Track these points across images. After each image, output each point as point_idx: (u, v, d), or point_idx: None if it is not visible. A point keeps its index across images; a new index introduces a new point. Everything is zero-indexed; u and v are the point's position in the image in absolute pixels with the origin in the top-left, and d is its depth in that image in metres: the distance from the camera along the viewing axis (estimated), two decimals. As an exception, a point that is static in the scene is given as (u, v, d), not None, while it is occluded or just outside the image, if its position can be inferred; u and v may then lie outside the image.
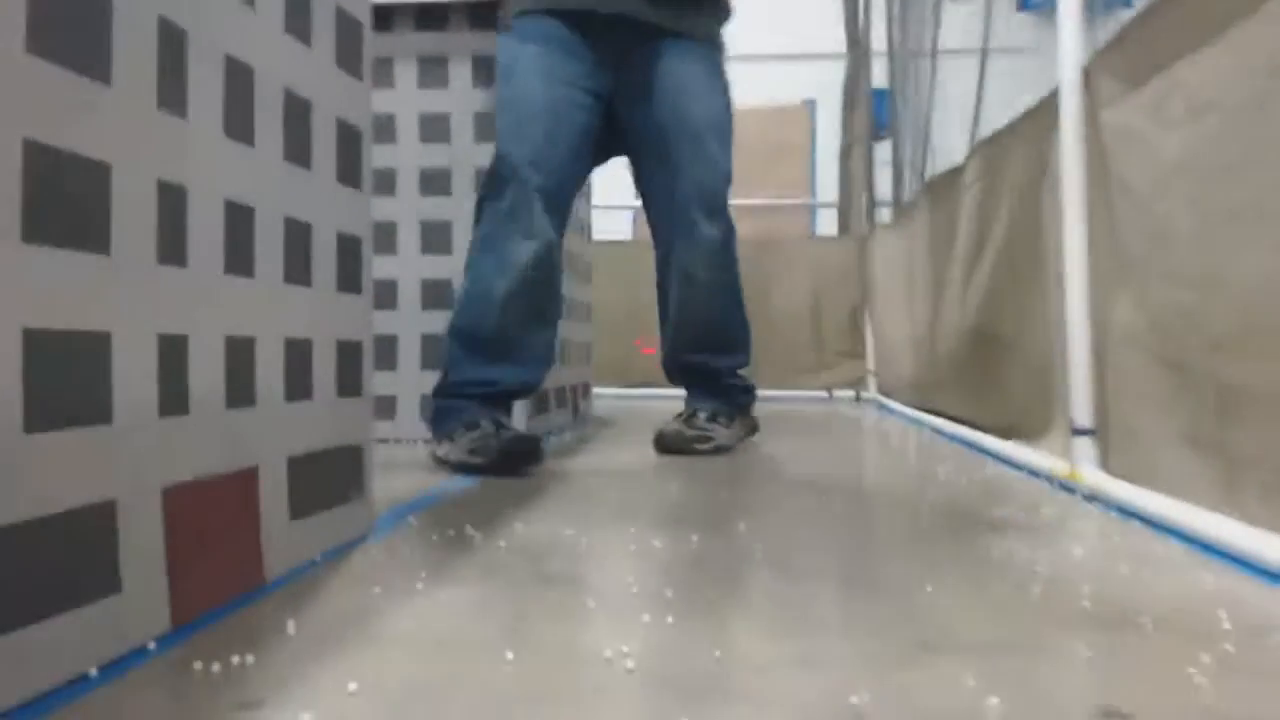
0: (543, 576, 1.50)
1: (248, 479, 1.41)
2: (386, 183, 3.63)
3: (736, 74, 3.29)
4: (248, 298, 1.41)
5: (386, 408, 3.66)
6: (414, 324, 3.65)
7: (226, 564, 1.35)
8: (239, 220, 1.39)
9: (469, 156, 3.61)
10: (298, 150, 1.59)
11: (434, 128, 3.67)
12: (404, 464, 2.94)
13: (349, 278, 1.79)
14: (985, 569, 1.47)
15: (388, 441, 3.56)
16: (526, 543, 1.79)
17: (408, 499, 2.27)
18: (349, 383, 1.80)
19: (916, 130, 5.15)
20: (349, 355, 1.80)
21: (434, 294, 3.65)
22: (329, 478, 1.71)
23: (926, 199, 4.42)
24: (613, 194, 9.19)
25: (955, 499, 2.20)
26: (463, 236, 3.65)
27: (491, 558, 1.66)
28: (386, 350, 3.63)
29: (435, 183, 3.65)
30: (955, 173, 3.65)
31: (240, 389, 1.39)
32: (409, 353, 3.64)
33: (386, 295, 3.64)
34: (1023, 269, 2.82)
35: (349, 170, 1.79)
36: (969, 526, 1.85)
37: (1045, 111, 2.54)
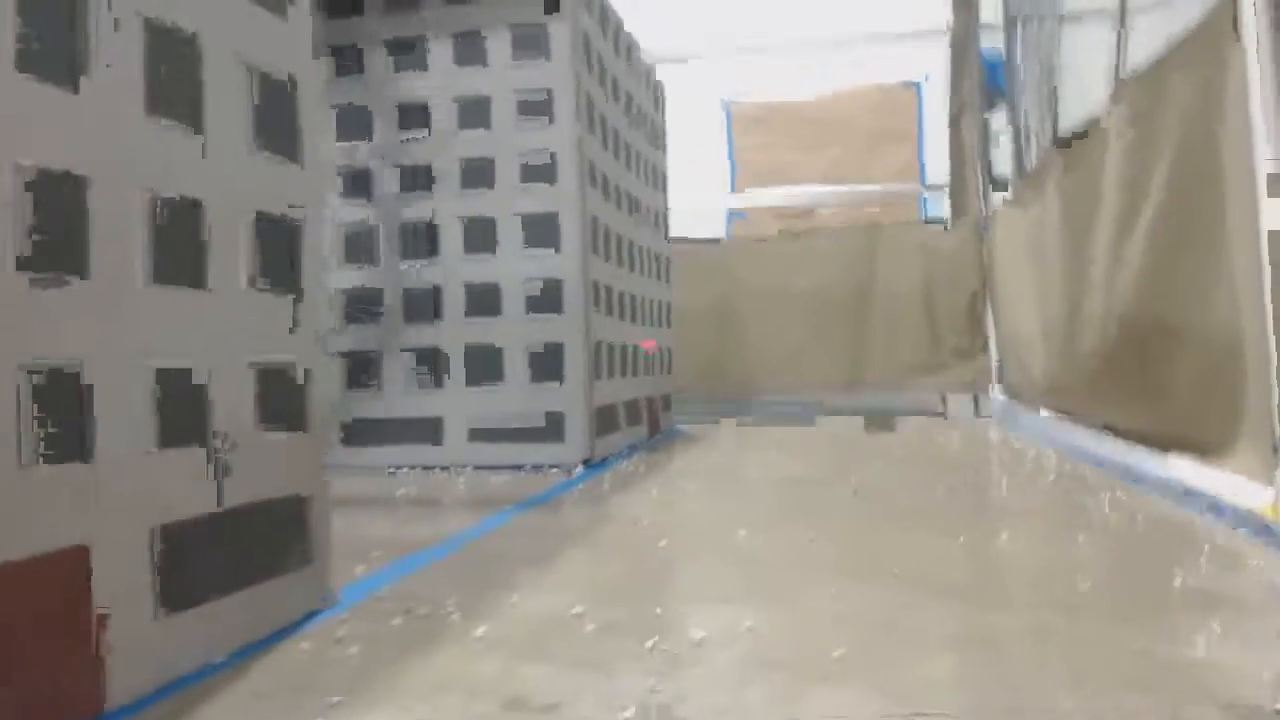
0: (511, 699, 1.02)
1: (69, 563, 0.99)
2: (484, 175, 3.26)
3: (836, 56, 2.78)
4: (67, 304, 0.99)
5: (430, 431, 3.27)
6: (458, 332, 3.25)
7: (32, 689, 0.93)
8: (50, 193, 0.98)
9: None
10: (170, 103, 1.17)
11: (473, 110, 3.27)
12: (444, 502, 2.52)
13: (275, 273, 1.37)
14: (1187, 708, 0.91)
15: (433, 469, 3.17)
16: (514, 629, 1.31)
17: (409, 552, 1.84)
18: (280, 414, 1.37)
19: (1041, 88, 4.46)
20: (277, 378, 1.37)
21: (480, 299, 3.25)
22: (245, 546, 1.28)
23: (1058, 163, 3.74)
24: (696, 189, 8.74)
25: (1119, 559, 1.61)
26: (508, 234, 3.23)
27: (455, 660, 1.19)
28: (433, 365, 3.25)
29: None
30: (1094, 125, 3.00)
31: (59, 439, 0.98)
32: (456, 368, 3.24)
33: (428, 304, 3.27)
34: (1194, 233, 2.17)
35: (273, 134, 1.37)
36: (1146, 612, 1.28)
37: (1217, 24, 1.91)
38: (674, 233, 6.45)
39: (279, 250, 1.38)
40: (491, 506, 2.37)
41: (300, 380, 1.42)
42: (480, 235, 3.24)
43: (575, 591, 1.51)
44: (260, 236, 1.33)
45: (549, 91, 3.16)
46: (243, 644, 1.24)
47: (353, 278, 3.33)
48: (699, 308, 6.21)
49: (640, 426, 3.92)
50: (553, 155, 3.17)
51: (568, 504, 2.37)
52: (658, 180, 4.56)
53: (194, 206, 1.21)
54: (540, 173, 3.19)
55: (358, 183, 3.35)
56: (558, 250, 3.16)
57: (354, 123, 3.36)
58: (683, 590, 1.51)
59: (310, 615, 1.39)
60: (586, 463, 3.09)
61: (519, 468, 3.11)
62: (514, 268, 3.20)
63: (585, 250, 3.16)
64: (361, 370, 3.31)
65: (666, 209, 4.76)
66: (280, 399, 1.37)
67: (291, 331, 1.40)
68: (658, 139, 4.60)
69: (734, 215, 8.48)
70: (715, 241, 6.67)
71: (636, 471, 3.01)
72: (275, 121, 1.36)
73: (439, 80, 3.27)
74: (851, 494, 2.42)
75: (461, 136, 3.26)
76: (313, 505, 1.43)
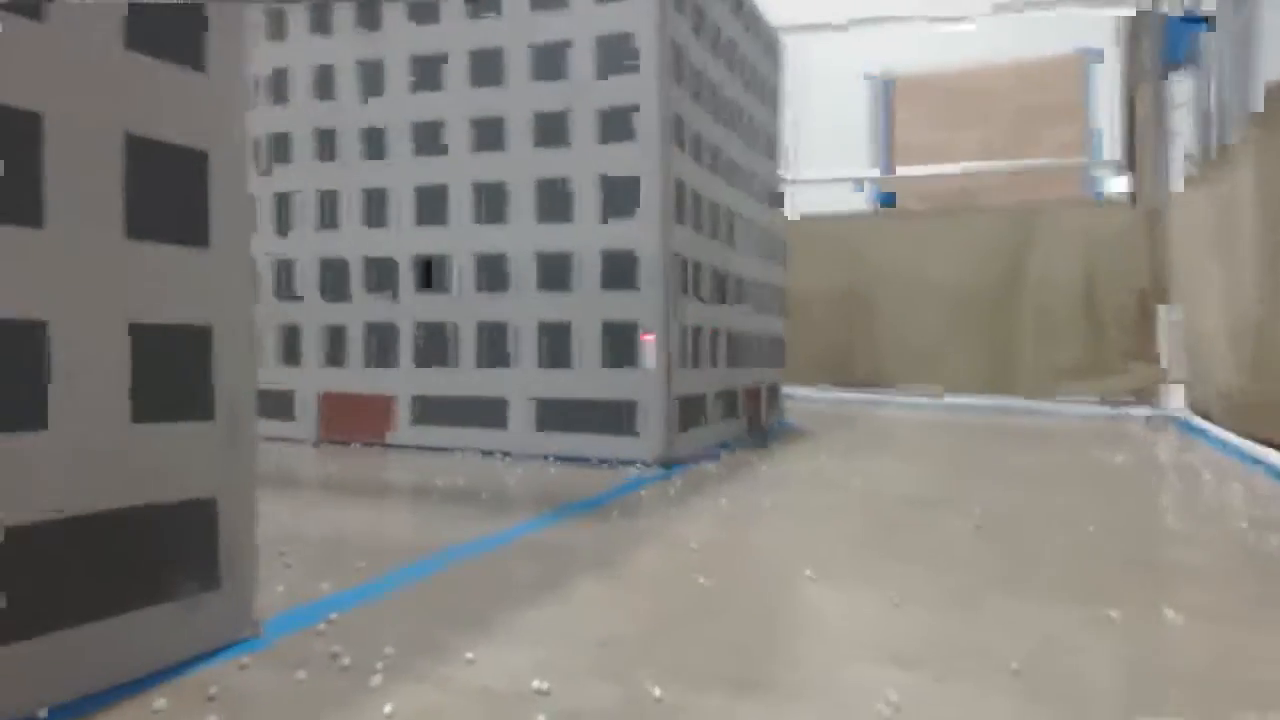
0: None
1: None
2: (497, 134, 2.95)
3: (997, 24, 2.26)
4: None
5: (496, 414, 2.97)
6: (530, 307, 2.93)
7: None
8: None
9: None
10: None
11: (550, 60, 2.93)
12: (480, 498, 2.20)
13: (163, 216, 1.05)
14: None
15: (493, 455, 2.87)
16: (436, 708, 0.96)
17: (401, 562, 1.52)
18: (174, 395, 1.06)
19: (1235, 52, 3.72)
20: (168, 350, 1.06)
21: (552, 272, 2.92)
22: (112, 563, 0.98)
23: (1255, 136, 3.07)
24: (833, 164, 8.12)
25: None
26: (585, 199, 2.87)
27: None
28: (501, 344, 2.95)
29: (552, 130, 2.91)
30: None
31: None
32: (526, 343, 2.93)
33: (500, 275, 2.96)
34: None
35: (155, 28, 1.05)
36: None
37: None
38: (808, 211, 5.96)
39: (172, 188, 1.06)
40: (528, 508, 2.04)
41: (207, 354, 1.10)
42: (553, 199, 2.90)
43: (555, 649, 1.14)
44: (138, 168, 1.02)
45: (632, 36, 2.77)
46: (94, 688, 0.94)
47: (424, 242, 3.07)
48: (824, 291, 5.70)
49: (737, 420, 3.50)
50: (634, 109, 2.79)
51: (615, 513, 2.00)
52: (771, 149, 4.10)
53: (30, 120, 0.91)
54: (619, 129, 2.81)
55: (431, 138, 3.07)
56: (634, 218, 2.78)
57: (427, 72, 3.08)
58: (697, 663, 1.11)
59: (213, 652, 1.08)
60: (662, 462, 2.71)
61: (586, 461, 2.77)
62: (588, 237, 2.84)
63: (667, 219, 2.77)
64: (431, 342, 3.05)
65: (781, 181, 4.29)
66: (174, 376, 1.06)
67: (195, 292, 1.08)
68: (773, 104, 4.13)
69: (880, 195, 7.87)
70: (845, 219, 6.10)
71: (716, 475, 2.60)
72: (161, 11, 1.04)
73: (515, 25, 2.94)
74: (972, 528, 1.94)
75: (536, 88, 2.93)
76: (223, 513, 1.12)
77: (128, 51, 1.00)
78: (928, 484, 2.56)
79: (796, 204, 6.06)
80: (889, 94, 7.80)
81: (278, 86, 3.32)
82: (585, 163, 2.85)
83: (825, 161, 7.38)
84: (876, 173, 7.81)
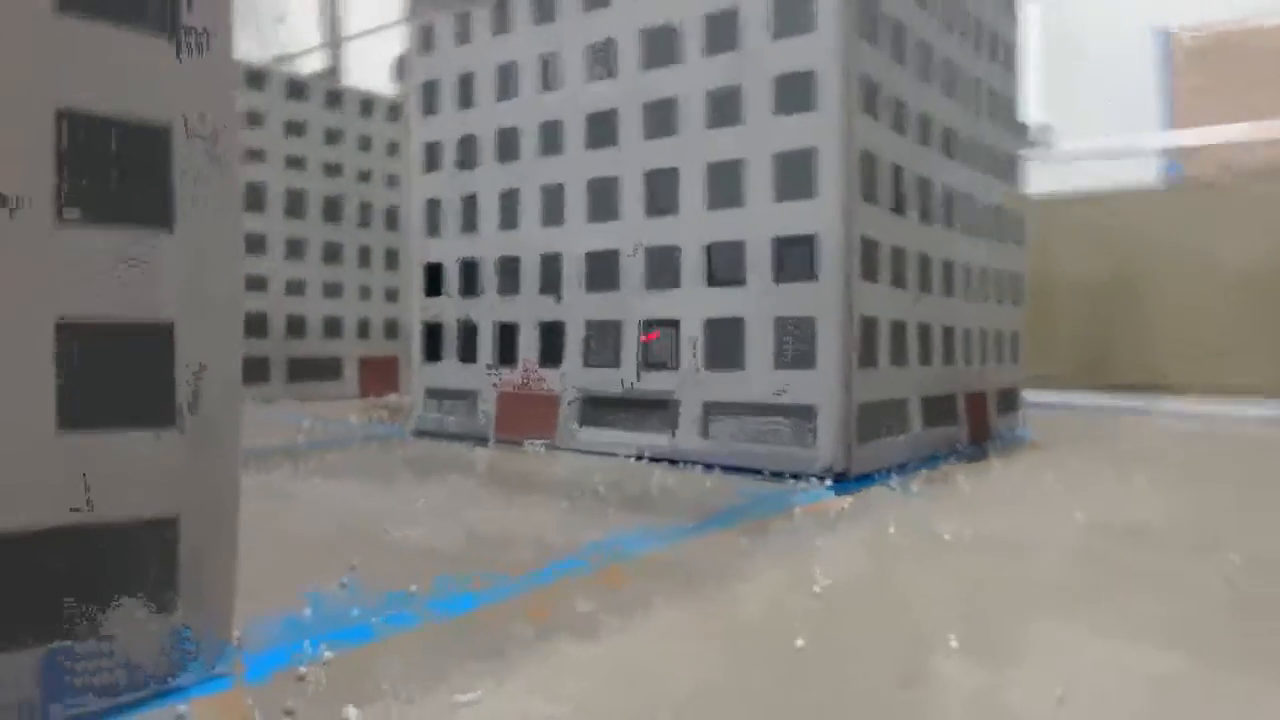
0: None
1: None
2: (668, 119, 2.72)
3: None
4: None
5: (663, 418, 2.75)
6: (698, 303, 2.69)
7: None
8: None
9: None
10: None
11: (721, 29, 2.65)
12: (608, 509, 2.00)
13: (114, 194, 0.93)
14: None
15: (658, 461, 2.65)
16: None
17: (468, 584, 1.35)
18: (127, 399, 0.94)
19: None
20: (116, 347, 0.94)
21: (722, 264, 2.64)
22: (39, 586, 0.88)
23: None
24: (1107, 133, 7.06)
25: None
26: (758, 181, 2.58)
27: None
28: (668, 343, 2.73)
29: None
30: None
31: None
32: (691, 339, 2.68)
33: (668, 268, 2.74)
34: None
35: (108, -14, 0.93)
36: None
37: None
38: (1067, 186, 5.25)
39: (121, 165, 0.94)
40: (656, 520, 1.80)
41: (167, 354, 0.97)
42: (724, 184, 2.63)
43: (564, 699, 0.90)
44: (74, 142, 0.90)
45: (805, -13, 2.44)
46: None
47: (595, 238, 2.92)
48: (1082, 279, 4.95)
49: (952, 429, 3.03)
50: (811, 73, 2.45)
51: (749, 534, 1.72)
52: (1006, 115, 3.54)
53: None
54: (795, 97, 2.48)
55: (604, 128, 2.91)
56: (812, 197, 2.44)
57: (599, 57, 2.92)
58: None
59: (171, 693, 0.96)
60: (838, 475, 2.36)
61: (756, 472, 2.48)
62: (761, 223, 2.54)
63: (850, 197, 2.41)
64: (600, 342, 2.89)
65: (1022, 152, 3.71)
66: (119, 379, 0.94)
67: (149, 282, 0.96)
68: (1009, 63, 3.57)
69: (1170, 167, 6.80)
70: (1111, 195, 5.25)
71: (899, 494, 2.22)
72: (102, -37, 0.92)
73: (684, -5, 2.71)
74: (1223, 581, 1.45)
75: (706, 63, 2.67)
76: (185, 532, 0.99)
77: (60, 15, 0.89)
78: (1178, 517, 2.02)
79: (1053, 179, 5.32)
80: (1172, 52, 6.69)
81: (463, 89, 3.32)
82: (758, 140, 2.55)
83: (1096, 130, 6.45)
84: (1159, 140, 6.73)
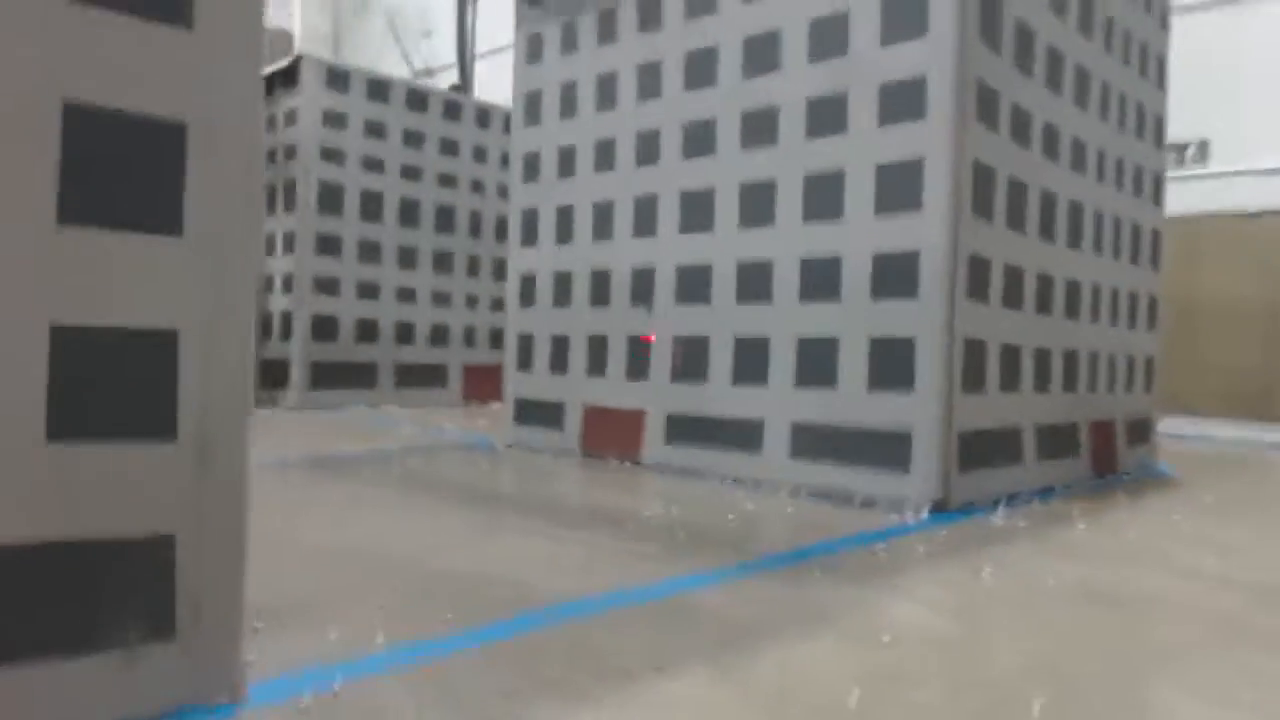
0: None
1: None
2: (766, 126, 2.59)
3: None
4: None
5: (750, 437, 2.62)
6: (791, 319, 2.55)
7: None
8: None
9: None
10: None
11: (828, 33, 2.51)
12: (676, 536, 1.90)
13: (123, 200, 0.90)
14: None
15: (743, 483, 2.53)
16: None
17: (505, 612, 1.28)
18: (123, 411, 0.91)
19: None
20: (118, 356, 0.90)
21: (817, 278, 2.50)
22: (28, 603, 0.85)
23: None
24: (1255, 155, 6.43)
25: None
26: (859, 193, 2.43)
27: None
28: (758, 360, 2.60)
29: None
30: None
31: None
32: (785, 359, 2.55)
33: (760, 284, 2.61)
34: None
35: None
36: None
37: None
38: (1232, 202, 4.86)
39: (129, 164, 0.91)
40: (719, 555, 1.68)
41: (170, 363, 0.94)
42: (823, 196, 2.49)
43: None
44: (80, 140, 0.87)
45: (914, -14, 2.28)
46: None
47: (687, 250, 2.83)
48: (1233, 302, 4.52)
49: (1073, 460, 2.78)
50: (921, 79, 2.28)
51: (819, 573, 1.58)
52: (1151, 130, 3.25)
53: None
54: (903, 105, 2.32)
55: (701, 138, 2.82)
56: (917, 211, 2.27)
57: (699, 68, 2.83)
58: None
59: (163, 717, 0.92)
60: (936, 506, 2.18)
61: (847, 499, 2.32)
62: (860, 237, 2.39)
63: (958, 211, 2.23)
64: (692, 357, 2.80)
65: (1161, 165, 3.39)
66: (119, 388, 0.91)
67: (155, 288, 0.92)
68: (1157, 76, 3.28)
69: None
70: (1269, 215, 4.78)
71: (1002, 531, 2.02)
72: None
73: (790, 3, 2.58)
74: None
75: (812, 71, 2.54)
76: (184, 552, 0.95)
77: (70, 3, 0.86)
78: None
79: (1204, 198, 4.91)
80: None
81: (566, 101, 3.30)
82: (861, 150, 2.41)
83: (1253, 147, 5.90)
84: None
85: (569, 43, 3.29)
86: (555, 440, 3.17)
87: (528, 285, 3.38)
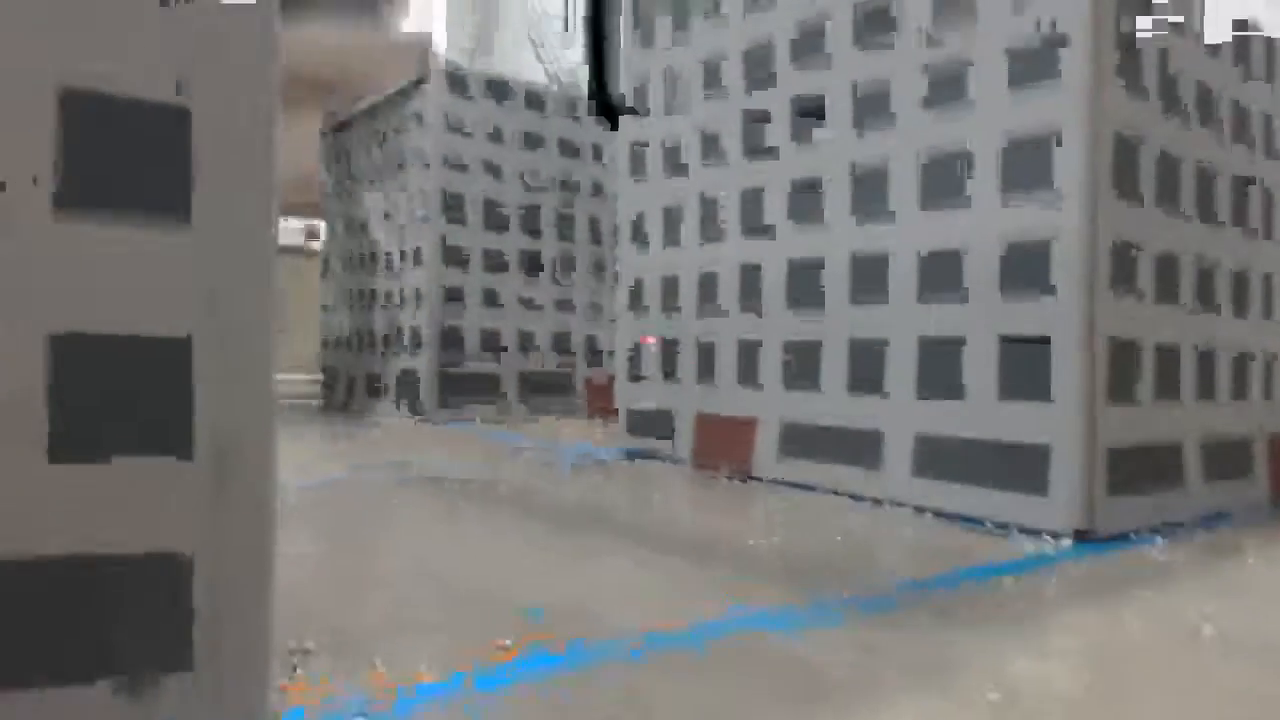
0: None
1: None
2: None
3: None
4: None
5: (869, 451, 2.42)
6: (910, 319, 2.34)
7: None
8: None
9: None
10: None
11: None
12: (776, 561, 1.75)
13: (118, 187, 0.84)
14: None
15: (862, 501, 2.33)
16: None
17: (546, 651, 1.17)
18: (131, 423, 0.84)
19: None
20: (121, 364, 0.84)
21: (937, 273, 2.28)
22: (28, 624, 0.80)
23: None
24: None
25: None
26: (985, 174, 2.19)
27: None
28: (875, 366, 2.39)
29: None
30: None
31: None
32: (905, 363, 2.34)
33: (875, 281, 2.41)
34: None
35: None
36: None
37: None
38: None
39: (132, 151, 0.85)
40: (815, 586, 1.51)
41: (184, 374, 0.87)
42: (942, 179, 2.26)
43: None
44: (77, 126, 0.82)
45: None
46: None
47: (797, 245, 2.65)
48: None
49: (1246, 483, 2.43)
50: (1058, 40, 2.03)
51: (927, 615, 1.39)
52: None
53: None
54: (1033, 66, 2.08)
55: (811, 122, 2.64)
56: (1051, 191, 2.02)
57: (808, 45, 2.66)
58: None
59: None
60: (1079, 534, 1.93)
61: (976, 522, 2.09)
62: (984, 223, 2.16)
63: (1097, 191, 1.97)
64: (803, 363, 2.62)
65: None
66: (135, 398, 0.85)
67: (163, 288, 0.86)
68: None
69: None
70: None
71: (1158, 566, 1.75)
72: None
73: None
74: None
75: (927, 35, 2.32)
76: (202, 575, 0.88)
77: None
78: None
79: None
80: None
81: (669, 87, 3.18)
82: (984, 124, 2.18)
83: None
84: None
85: (679, 27, 3.17)
86: (667, 452, 3.06)
87: (637, 290, 3.28)
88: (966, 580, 1.61)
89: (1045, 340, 2.03)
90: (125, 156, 0.88)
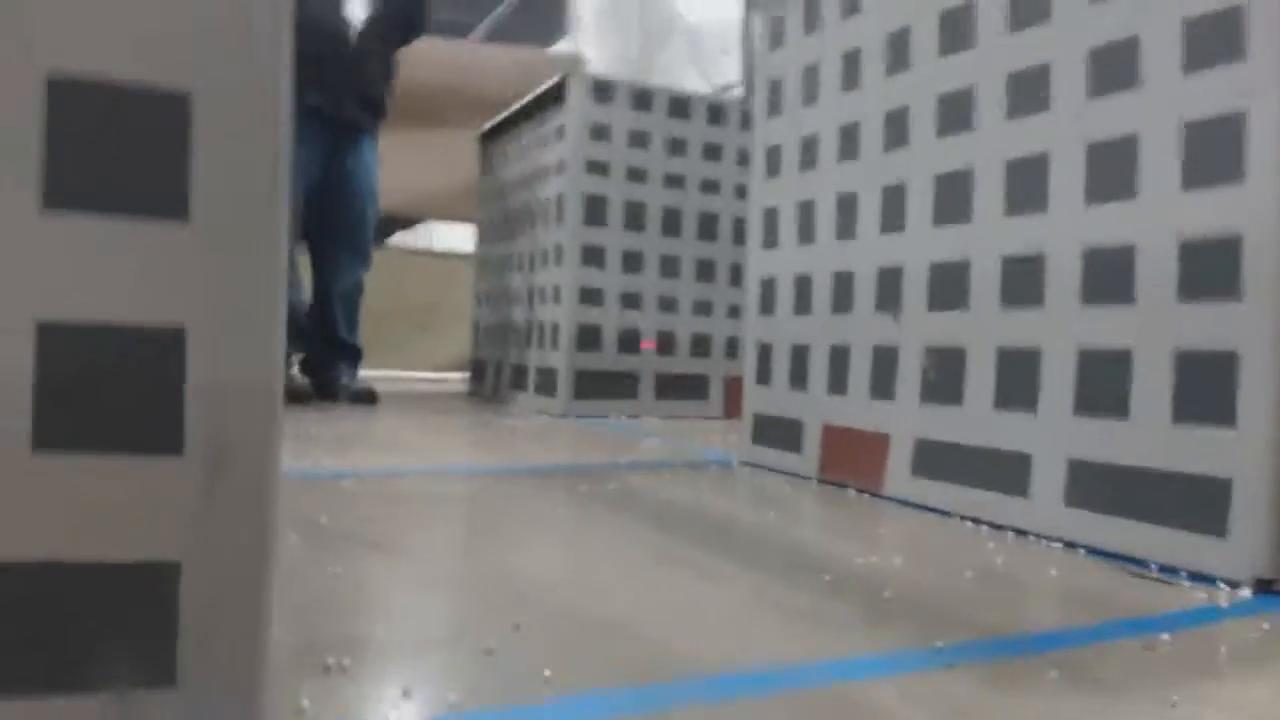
0: None
1: None
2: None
3: None
4: None
5: (1014, 475, 2.15)
6: (1068, 326, 2.05)
7: None
8: None
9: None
10: None
11: None
12: (932, 605, 1.55)
13: (94, 178, 0.78)
14: None
15: (1003, 531, 2.07)
16: None
17: (592, 689, 1.04)
18: (116, 419, 0.79)
19: None
20: (110, 358, 0.78)
21: (1102, 275, 1.98)
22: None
23: None
24: None
25: None
26: (1158, 161, 1.89)
27: None
28: (1026, 378, 2.12)
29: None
30: None
31: None
32: (1060, 377, 2.05)
33: (1030, 279, 2.13)
34: None
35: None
36: None
37: None
38: None
39: (126, 140, 0.79)
40: (929, 630, 1.31)
41: (178, 365, 0.81)
42: (1110, 168, 1.97)
43: None
44: (66, 114, 0.77)
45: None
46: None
47: (940, 245, 2.41)
48: None
49: None
50: (1235, 6, 1.72)
51: (1056, 675, 1.16)
52: None
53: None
54: (1214, 41, 1.77)
55: (958, 111, 2.40)
56: (1236, 182, 1.71)
57: (954, 28, 2.41)
58: None
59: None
60: (1263, 584, 1.62)
61: (1138, 564, 1.81)
62: (1161, 218, 1.86)
63: (1301, 176, 1.64)
64: (946, 372, 2.38)
65: None
66: (123, 392, 0.79)
67: (160, 279, 0.80)
68: None
69: None
70: None
71: None
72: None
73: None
74: None
75: (1092, 12, 2.03)
76: (189, 585, 0.81)
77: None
78: None
79: None
80: None
81: (807, 83, 3.00)
82: (1159, 106, 1.88)
83: None
84: None
85: (811, 22, 2.98)
86: (792, 463, 2.87)
87: (767, 291, 3.11)
88: (1112, 634, 1.36)
89: (1231, 354, 1.72)
90: (119, 145, 0.82)
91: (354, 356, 5.19)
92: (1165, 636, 1.32)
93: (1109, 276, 1.95)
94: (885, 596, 1.47)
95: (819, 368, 2.80)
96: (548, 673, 1.05)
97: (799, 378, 2.90)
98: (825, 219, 2.84)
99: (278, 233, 0.84)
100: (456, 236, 9.09)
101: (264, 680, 0.82)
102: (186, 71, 0.78)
